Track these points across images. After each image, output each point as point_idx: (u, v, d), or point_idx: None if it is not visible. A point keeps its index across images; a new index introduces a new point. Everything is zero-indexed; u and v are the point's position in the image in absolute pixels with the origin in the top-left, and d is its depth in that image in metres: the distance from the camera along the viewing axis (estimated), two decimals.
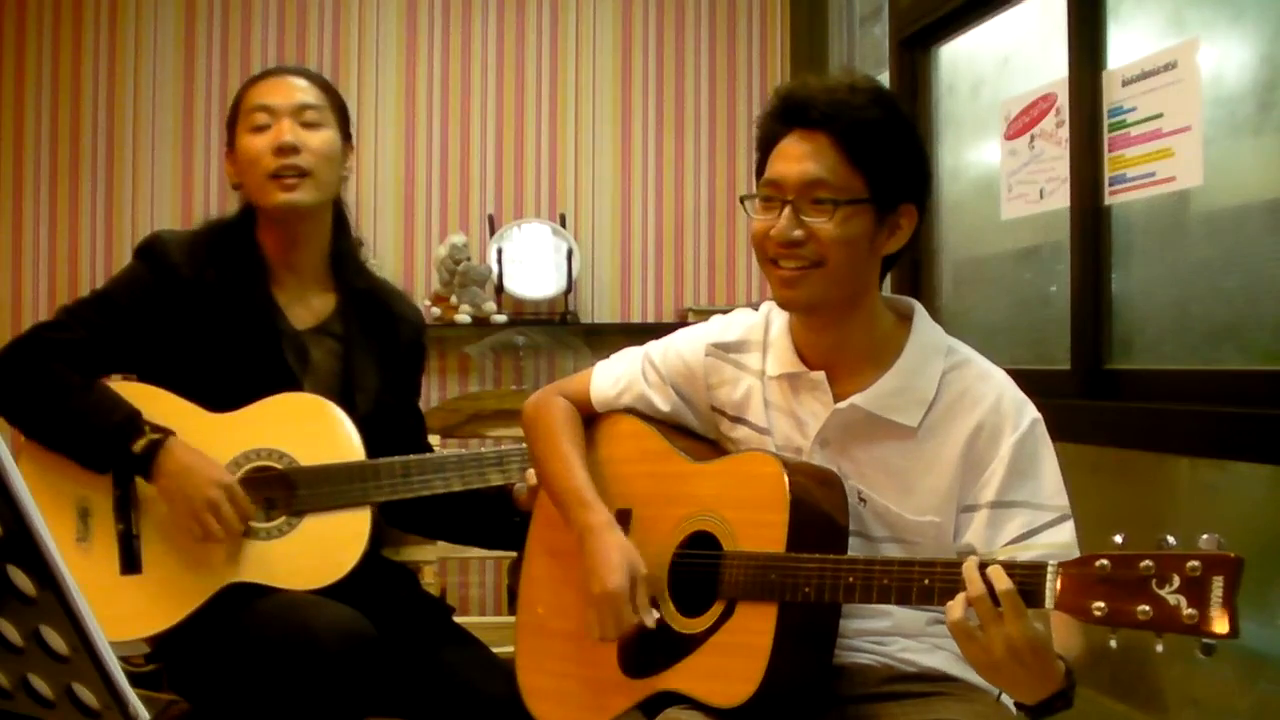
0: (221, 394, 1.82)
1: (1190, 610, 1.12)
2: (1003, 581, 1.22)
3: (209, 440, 1.79)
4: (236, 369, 1.83)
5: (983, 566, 1.25)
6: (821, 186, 1.44)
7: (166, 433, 1.75)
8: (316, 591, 1.74)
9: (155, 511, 1.78)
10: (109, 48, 4.01)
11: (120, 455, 1.74)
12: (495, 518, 1.95)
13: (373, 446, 1.85)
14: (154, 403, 1.79)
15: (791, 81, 1.55)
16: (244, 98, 1.92)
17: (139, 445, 1.73)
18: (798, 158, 1.45)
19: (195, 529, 1.73)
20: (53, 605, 0.83)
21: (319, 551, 1.78)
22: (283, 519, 1.80)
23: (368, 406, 1.90)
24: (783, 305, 1.53)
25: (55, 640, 0.86)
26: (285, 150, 1.84)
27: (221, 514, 1.73)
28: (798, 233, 1.45)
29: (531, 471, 1.83)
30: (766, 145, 1.51)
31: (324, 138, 1.89)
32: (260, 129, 1.87)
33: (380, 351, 1.97)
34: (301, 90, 1.90)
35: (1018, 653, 1.22)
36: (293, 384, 1.86)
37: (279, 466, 1.81)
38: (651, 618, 1.53)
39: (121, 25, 4.01)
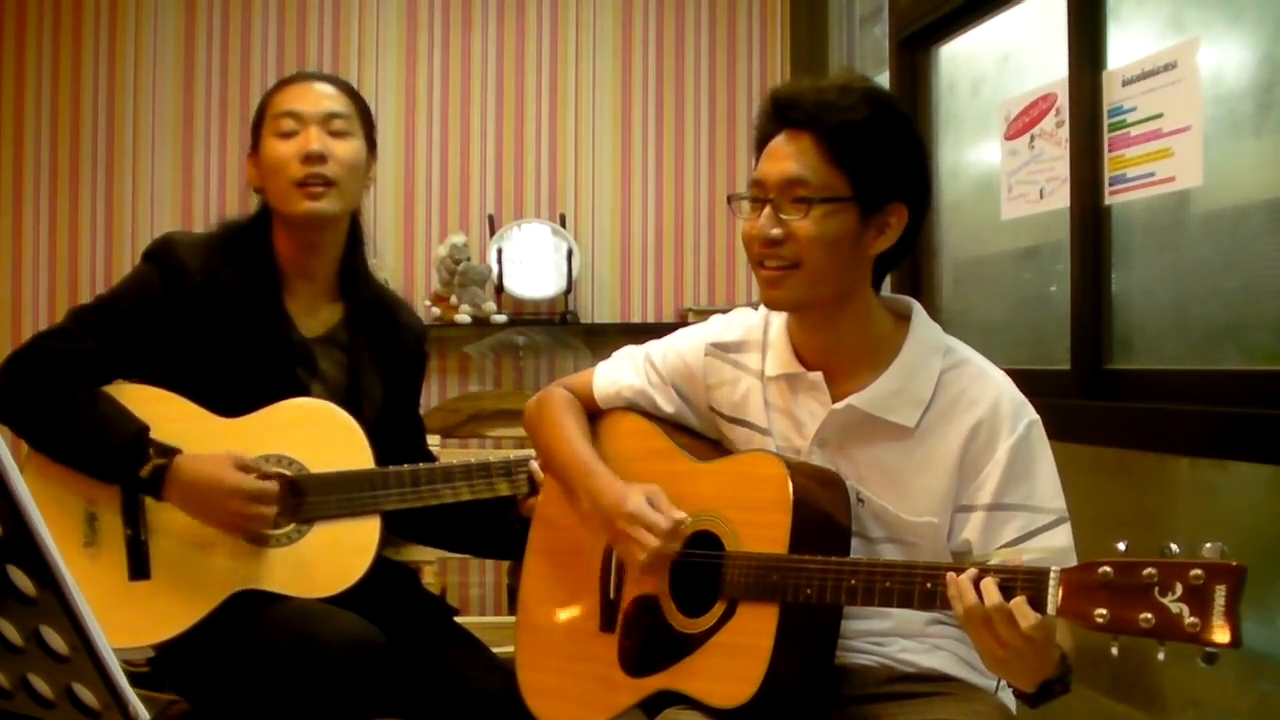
0: (228, 401, 1.81)
1: (1193, 619, 1.12)
2: (992, 596, 1.23)
3: (218, 446, 1.77)
4: (244, 377, 1.82)
5: (982, 574, 1.25)
6: (801, 185, 1.44)
7: (171, 454, 1.74)
8: (323, 599, 1.74)
9: (164, 517, 1.77)
10: (109, 48, 4.01)
11: (126, 481, 1.74)
12: (496, 526, 1.94)
13: (378, 454, 1.85)
14: (163, 407, 1.78)
15: (786, 82, 1.56)
16: (271, 102, 1.89)
17: (145, 471, 1.72)
18: (781, 157, 1.46)
19: (234, 534, 1.76)
20: (53, 605, 0.83)
21: (327, 560, 1.78)
22: (291, 526, 1.79)
23: (374, 415, 1.90)
24: (768, 306, 1.54)
25: (55, 640, 0.86)
26: (312, 159, 1.82)
27: (248, 518, 1.73)
28: (776, 231, 1.45)
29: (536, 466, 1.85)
30: (759, 146, 1.52)
31: (351, 148, 1.87)
32: (287, 135, 1.84)
33: (384, 361, 1.97)
34: (330, 98, 1.88)
35: (1018, 651, 1.23)
36: (300, 392, 1.85)
37: (288, 473, 1.80)
38: (682, 514, 1.51)
39: (121, 25, 4.01)
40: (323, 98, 1.88)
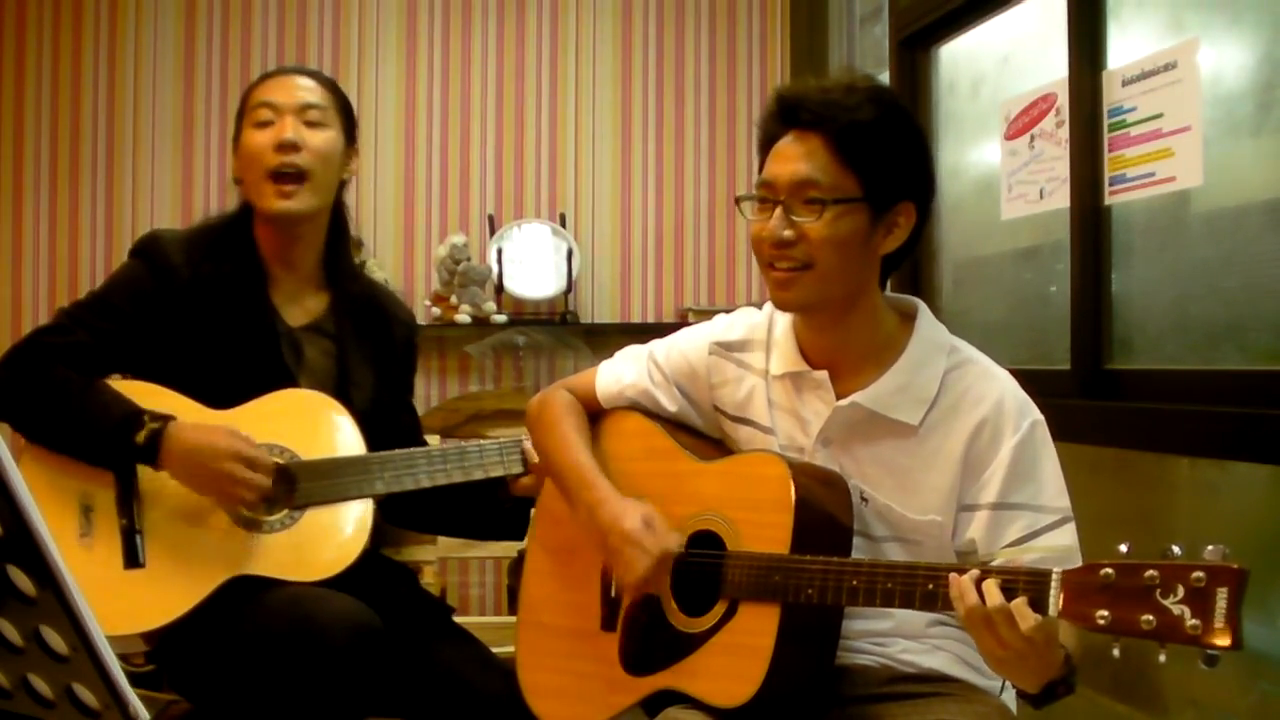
0: (217, 393, 1.82)
1: (1194, 621, 1.12)
2: (994, 597, 1.23)
3: None
4: (232, 367, 1.84)
5: (984, 575, 1.25)
6: (812, 186, 1.44)
7: (166, 419, 1.75)
8: (319, 584, 1.74)
9: (158, 506, 1.78)
10: (109, 48, 4.01)
11: (124, 450, 1.74)
12: (492, 507, 1.95)
13: (370, 443, 1.86)
14: (154, 400, 1.80)
15: (791, 82, 1.56)
16: (250, 94, 1.93)
17: (141, 437, 1.73)
18: (791, 158, 1.46)
19: (228, 505, 1.76)
20: (53, 605, 0.83)
21: (321, 544, 1.79)
22: (285, 512, 1.80)
23: (364, 404, 1.91)
24: (778, 307, 1.53)
25: (55, 640, 0.86)
26: (286, 147, 1.85)
27: (242, 482, 1.73)
28: (788, 233, 1.45)
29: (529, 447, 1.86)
30: (765, 146, 1.52)
31: (325, 138, 1.89)
32: (263, 125, 1.88)
33: (374, 350, 1.98)
34: (307, 90, 1.91)
35: (1020, 652, 1.23)
36: (289, 382, 1.87)
37: (280, 461, 1.81)
38: (679, 543, 1.52)
39: (121, 25, 4.01)
40: (299, 89, 1.91)
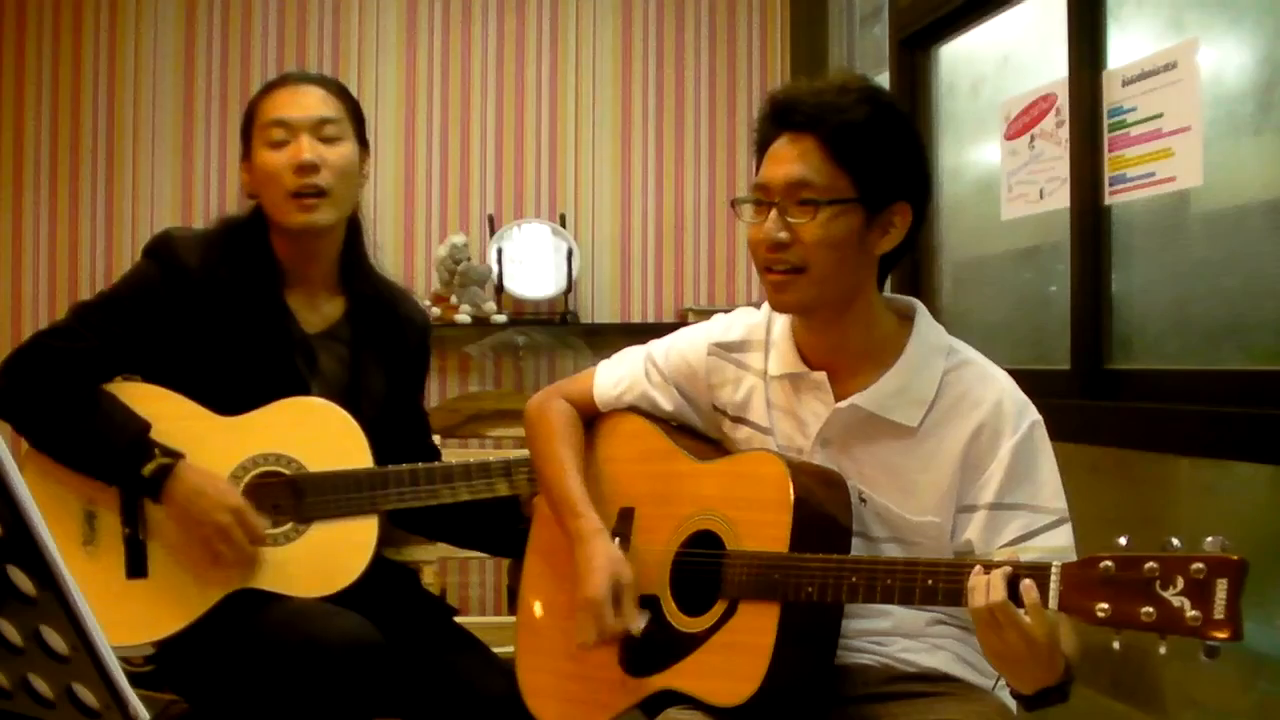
0: (228, 397, 1.81)
1: (1194, 613, 1.12)
2: (997, 593, 1.22)
3: (217, 444, 1.79)
4: (245, 372, 1.82)
5: (986, 569, 1.25)
6: (806, 187, 1.44)
7: (176, 456, 1.74)
8: (321, 598, 1.74)
9: (162, 516, 1.77)
10: (109, 48, 4.01)
11: (128, 479, 1.74)
12: (502, 525, 1.95)
13: (377, 449, 1.85)
14: (162, 405, 1.78)
15: (784, 84, 1.56)
16: (259, 108, 1.87)
17: (148, 470, 1.72)
18: (784, 160, 1.46)
19: (206, 552, 1.74)
20: (53, 605, 0.83)
21: (325, 559, 1.78)
22: (290, 525, 1.80)
23: (374, 412, 1.89)
24: (776, 309, 1.54)
25: (55, 640, 0.86)
26: (305, 169, 1.81)
27: (230, 539, 1.73)
28: (782, 235, 1.45)
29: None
30: (760, 149, 1.52)
31: (342, 152, 1.86)
32: (278, 145, 1.83)
33: (386, 356, 1.96)
34: (319, 103, 1.86)
35: (1018, 654, 1.23)
36: (300, 389, 1.85)
37: (286, 472, 1.81)
38: (636, 625, 1.53)
39: (121, 25, 4.01)
40: (312, 103, 1.86)
